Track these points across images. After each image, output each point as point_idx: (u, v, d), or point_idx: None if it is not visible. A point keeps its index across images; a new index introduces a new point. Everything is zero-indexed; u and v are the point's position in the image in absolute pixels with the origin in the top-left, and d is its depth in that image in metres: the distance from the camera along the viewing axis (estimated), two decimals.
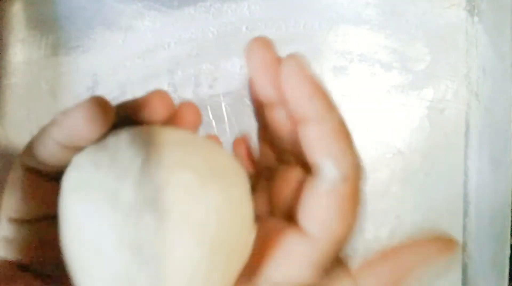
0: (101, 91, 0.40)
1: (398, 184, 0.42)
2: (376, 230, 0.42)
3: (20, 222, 0.19)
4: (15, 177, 0.19)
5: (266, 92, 0.18)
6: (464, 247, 0.42)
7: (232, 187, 0.17)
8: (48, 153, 0.18)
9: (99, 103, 0.17)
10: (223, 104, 0.41)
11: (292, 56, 0.17)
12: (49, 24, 0.41)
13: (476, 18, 0.42)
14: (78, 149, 0.18)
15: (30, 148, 0.18)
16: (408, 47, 0.42)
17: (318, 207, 0.17)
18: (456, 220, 0.42)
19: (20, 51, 0.42)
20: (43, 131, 0.18)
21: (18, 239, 0.18)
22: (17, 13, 0.42)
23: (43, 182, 0.19)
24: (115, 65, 0.41)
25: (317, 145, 0.17)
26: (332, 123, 0.17)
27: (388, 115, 0.42)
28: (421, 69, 0.42)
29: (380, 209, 0.42)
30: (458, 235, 0.43)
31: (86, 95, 0.40)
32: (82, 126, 0.17)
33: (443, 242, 0.18)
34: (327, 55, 0.42)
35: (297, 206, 0.18)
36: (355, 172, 0.17)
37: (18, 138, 0.42)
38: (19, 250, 0.18)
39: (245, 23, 0.41)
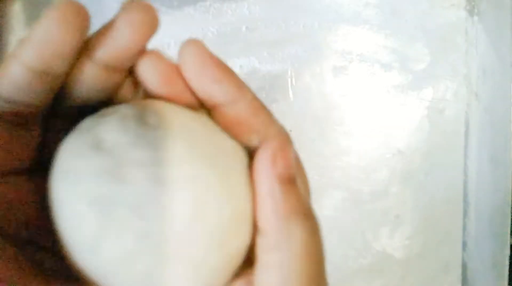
0: None
1: (398, 184, 0.42)
2: (376, 230, 0.42)
3: None
4: None
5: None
6: (464, 247, 0.43)
7: (231, 171, 0.17)
8: (16, 84, 0.15)
9: (71, 6, 0.15)
10: None
11: (189, 42, 0.16)
12: None
13: (476, 18, 0.42)
14: (48, 75, 0.16)
15: None
16: (408, 47, 0.42)
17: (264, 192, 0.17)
18: (456, 220, 0.42)
19: None
20: (8, 60, 0.16)
21: None
22: (17, 13, 0.42)
23: (7, 130, 0.16)
24: None
25: (238, 126, 0.17)
26: (246, 101, 0.17)
27: (388, 115, 0.42)
28: (421, 69, 0.42)
29: (380, 209, 0.42)
30: (458, 235, 0.43)
31: None
32: (55, 32, 0.15)
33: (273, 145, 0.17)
34: (327, 55, 0.42)
35: None
36: (282, 137, 0.17)
37: None
38: None
39: (245, 23, 0.41)
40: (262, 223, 0.16)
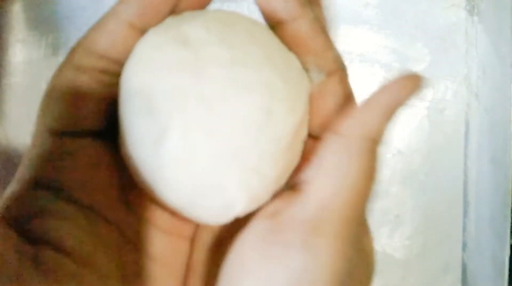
0: None
1: (398, 184, 0.42)
2: (376, 230, 0.42)
3: (61, 135, 0.16)
4: (62, 80, 0.16)
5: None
6: (464, 247, 0.43)
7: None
8: (113, 39, 0.16)
9: None
10: None
11: None
12: (49, 24, 0.41)
13: (476, 18, 0.42)
14: (144, 30, 0.17)
15: (85, 43, 0.17)
16: (408, 47, 0.42)
17: (318, 111, 0.18)
18: (456, 220, 0.42)
19: (20, 51, 0.42)
20: (105, 17, 0.17)
21: (55, 155, 0.16)
22: (17, 13, 0.42)
23: (90, 90, 0.17)
24: None
25: (297, 44, 0.18)
26: (308, 18, 0.18)
27: None
28: (421, 69, 0.42)
29: (380, 209, 0.42)
30: (458, 235, 0.43)
31: None
32: None
33: (411, 79, 0.18)
34: None
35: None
36: (338, 65, 0.18)
37: (18, 138, 0.42)
38: (55, 169, 0.16)
39: None
40: (333, 128, 0.17)
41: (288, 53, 0.18)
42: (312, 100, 0.18)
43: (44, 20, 0.41)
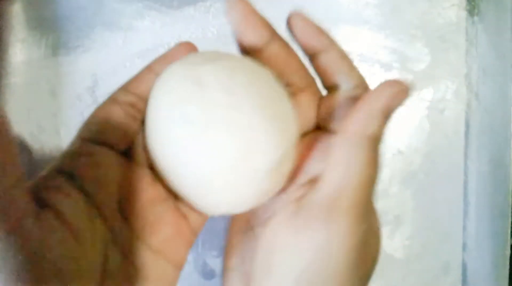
0: (101, 91, 0.40)
1: (398, 184, 0.42)
2: None
3: (87, 142, 0.22)
4: (102, 107, 0.22)
5: (254, 35, 0.24)
6: (464, 248, 0.43)
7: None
8: (139, 81, 0.23)
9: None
10: None
11: (296, 12, 0.24)
12: (49, 24, 0.41)
13: (476, 18, 0.42)
14: (158, 73, 0.24)
15: (123, 86, 0.23)
16: (408, 47, 0.42)
17: (343, 111, 0.23)
18: (456, 220, 0.43)
19: (20, 51, 0.42)
20: (143, 70, 0.24)
21: (76, 153, 0.21)
22: (17, 13, 0.42)
23: (119, 118, 0.22)
24: (115, 65, 0.41)
25: (331, 68, 0.23)
26: (336, 50, 0.23)
27: None
28: (421, 69, 0.42)
29: (380, 209, 0.42)
30: (458, 235, 0.43)
31: (86, 95, 0.40)
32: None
33: (397, 85, 0.21)
34: None
35: (324, 119, 0.24)
36: (362, 82, 0.23)
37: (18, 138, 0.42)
38: (72, 162, 0.21)
39: None
40: (346, 126, 0.21)
41: (283, 97, 0.22)
42: (347, 103, 0.23)
43: (44, 20, 0.41)
